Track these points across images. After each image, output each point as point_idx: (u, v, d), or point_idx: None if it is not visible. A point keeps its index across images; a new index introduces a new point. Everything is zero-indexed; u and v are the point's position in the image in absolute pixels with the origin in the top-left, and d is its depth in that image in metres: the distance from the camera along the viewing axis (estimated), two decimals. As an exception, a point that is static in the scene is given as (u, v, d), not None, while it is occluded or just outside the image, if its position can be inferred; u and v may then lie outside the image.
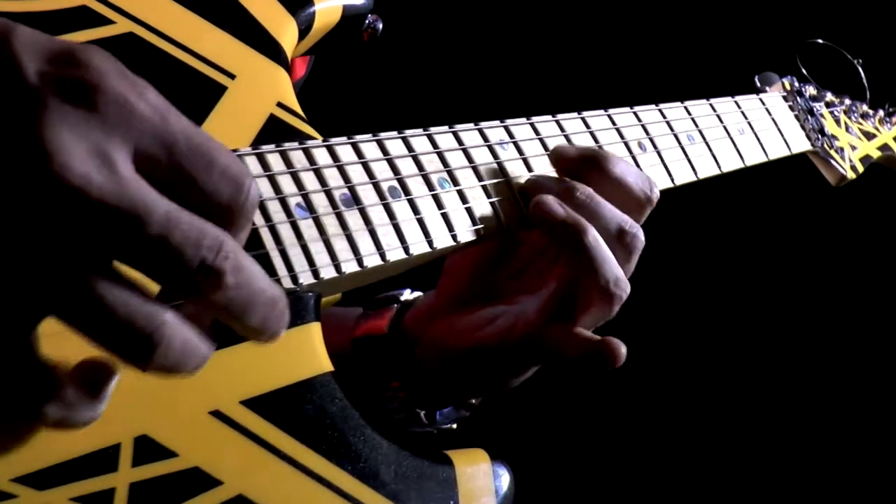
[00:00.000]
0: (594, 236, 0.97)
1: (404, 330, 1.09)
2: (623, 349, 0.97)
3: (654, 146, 1.19)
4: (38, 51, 0.60)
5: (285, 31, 0.97)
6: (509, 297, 1.05)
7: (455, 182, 0.98)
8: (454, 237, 0.95)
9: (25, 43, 0.60)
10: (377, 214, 0.90)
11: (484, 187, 0.99)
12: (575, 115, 1.13)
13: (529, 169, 1.04)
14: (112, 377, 0.64)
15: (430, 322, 1.07)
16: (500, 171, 1.01)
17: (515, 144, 1.05)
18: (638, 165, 1.15)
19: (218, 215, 0.63)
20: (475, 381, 1.05)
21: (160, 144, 0.62)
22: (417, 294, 1.13)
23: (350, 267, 0.86)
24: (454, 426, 1.12)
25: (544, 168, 1.05)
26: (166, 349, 0.61)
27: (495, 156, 1.02)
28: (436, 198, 0.95)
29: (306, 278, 0.84)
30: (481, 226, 0.97)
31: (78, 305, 0.60)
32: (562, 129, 1.10)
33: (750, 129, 1.36)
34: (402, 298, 1.12)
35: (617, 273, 0.98)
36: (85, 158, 0.59)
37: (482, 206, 0.98)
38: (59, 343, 0.62)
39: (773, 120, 1.42)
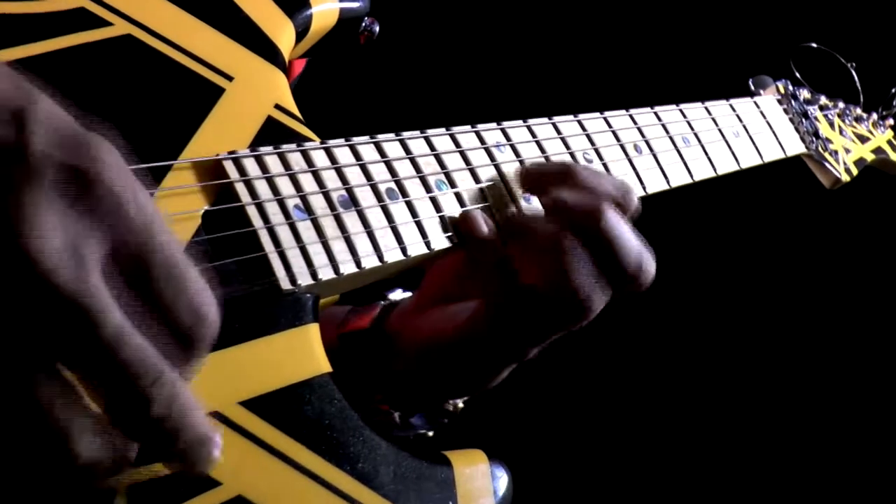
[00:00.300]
0: (614, 217, 0.95)
1: (386, 327, 1.08)
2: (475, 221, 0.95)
3: (650, 148, 1.19)
4: (51, 130, 0.60)
5: (282, 34, 0.97)
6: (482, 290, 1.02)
7: (452, 184, 0.98)
8: (451, 238, 0.95)
9: (41, 118, 0.60)
10: (375, 216, 0.90)
11: (481, 190, 0.99)
12: (571, 117, 1.13)
13: (526, 171, 1.04)
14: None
15: (411, 323, 1.06)
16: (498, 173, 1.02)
17: (512, 147, 1.05)
18: (634, 168, 1.16)
19: (174, 337, 0.63)
20: (451, 375, 1.03)
21: (137, 253, 0.62)
22: (408, 294, 1.13)
23: (348, 268, 0.87)
24: (430, 433, 1.09)
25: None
26: (83, 466, 0.61)
27: (492, 158, 1.02)
28: (433, 200, 0.96)
29: (304, 279, 0.84)
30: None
31: (10, 396, 0.60)
32: (558, 132, 1.10)
33: (745, 131, 1.36)
34: (391, 297, 1.11)
35: (640, 246, 0.96)
36: (58, 249, 0.58)
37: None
38: None
39: (768, 123, 1.42)
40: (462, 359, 1.00)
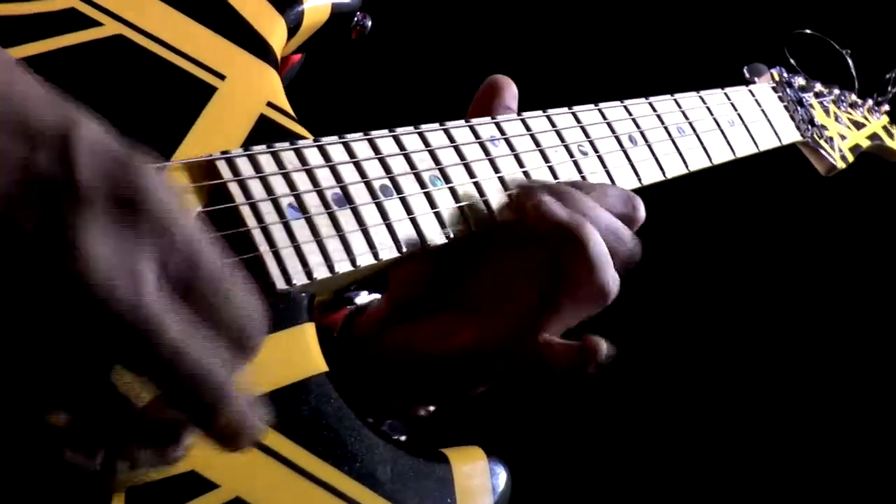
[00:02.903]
0: (597, 237, 0.95)
1: (355, 332, 1.06)
2: (602, 344, 0.95)
3: (645, 139, 1.19)
4: (96, 156, 0.62)
5: (274, 31, 0.97)
6: (473, 305, 0.99)
7: (447, 179, 0.97)
8: (447, 235, 0.95)
9: (85, 145, 0.61)
10: (370, 213, 0.90)
11: (461, 209, 0.97)
12: (565, 109, 1.12)
13: (521, 165, 1.04)
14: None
15: (383, 330, 1.03)
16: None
17: (507, 140, 1.04)
18: (629, 159, 1.15)
19: (225, 344, 0.66)
20: (431, 388, 1.02)
21: (186, 268, 0.64)
22: (374, 297, 1.10)
23: (343, 266, 0.86)
24: (403, 437, 1.06)
25: (535, 163, 1.05)
26: (135, 470, 0.66)
27: (487, 152, 1.02)
28: (428, 195, 0.95)
29: (299, 279, 0.83)
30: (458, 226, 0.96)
31: (70, 407, 0.63)
32: (553, 125, 1.10)
33: (740, 120, 1.36)
34: (357, 301, 1.09)
35: (613, 273, 0.96)
36: (113, 269, 0.60)
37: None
38: None
39: (763, 111, 1.42)
40: (460, 373, 0.99)
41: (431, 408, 1.06)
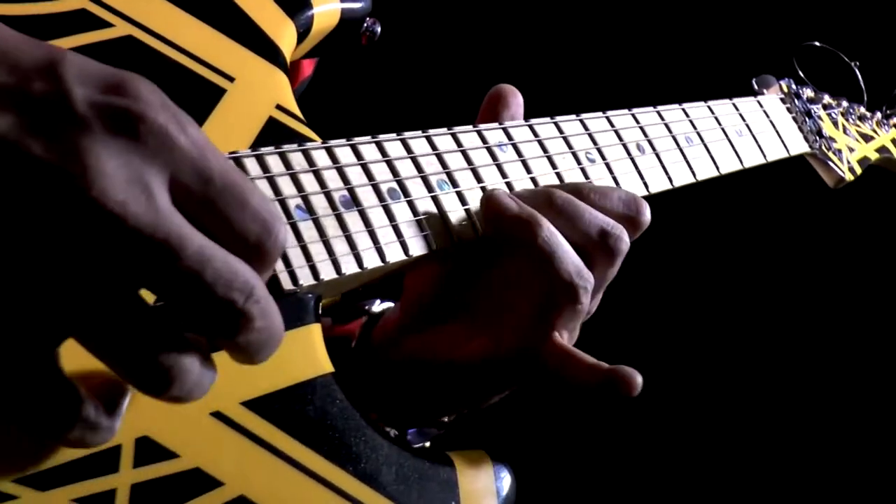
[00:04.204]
0: (549, 230, 0.94)
1: (372, 344, 1.05)
2: (638, 378, 0.95)
3: (653, 148, 1.19)
4: (86, 79, 0.62)
5: (284, 34, 0.97)
6: (485, 313, 0.98)
7: (454, 183, 0.98)
8: (451, 238, 0.95)
9: (74, 70, 0.62)
10: (376, 216, 0.90)
11: (483, 189, 0.99)
12: (573, 116, 1.13)
13: (528, 171, 1.04)
14: (127, 393, 0.66)
15: (399, 338, 1.02)
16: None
17: (514, 146, 1.05)
18: (637, 167, 1.15)
19: (245, 254, 0.65)
20: (451, 397, 1.01)
21: (197, 178, 0.64)
22: (387, 305, 1.09)
23: (350, 268, 0.86)
24: (427, 444, 1.05)
25: (542, 170, 1.05)
26: (181, 384, 0.64)
27: (494, 157, 1.02)
28: (435, 199, 0.95)
29: (306, 279, 0.84)
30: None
31: (101, 331, 0.62)
32: (560, 132, 1.10)
33: (748, 131, 1.36)
34: (373, 310, 1.09)
35: (577, 263, 0.94)
36: (124, 186, 0.60)
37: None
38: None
39: (771, 122, 1.42)
40: (472, 382, 0.98)
41: (448, 418, 1.04)
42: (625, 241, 0.98)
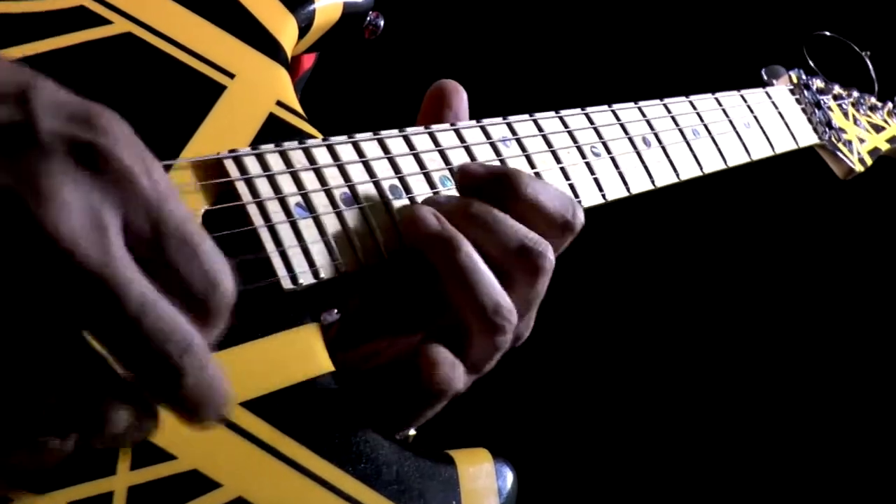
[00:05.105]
0: (467, 253, 0.86)
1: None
2: (438, 355, 0.87)
3: (659, 141, 1.18)
4: (55, 109, 0.61)
5: (285, 30, 0.97)
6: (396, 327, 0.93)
7: (457, 180, 0.97)
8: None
9: (44, 99, 0.61)
10: (378, 214, 0.90)
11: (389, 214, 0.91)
12: (578, 110, 1.12)
13: (532, 166, 1.03)
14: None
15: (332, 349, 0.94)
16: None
17: (518, 141, 1.04)
18: (643, 161, 1.15)
19: (191, 307, 0.63)
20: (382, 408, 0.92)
21: (151, 223, 0.63)
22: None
23: (350, 267, 0.86)
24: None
25: (546, 164, 1.04)
26: (112, 429, 0.62)
27: (498, 153, 1.01)
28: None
29: (306, 279, 0.83)
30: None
31: (39, 365, 0.61)
32: (565, 126, 1.09)
33: (756, 122, 1.35)
34: (328, 319, 1.03)
35: (496, 298, 0.86)
36: (79, 219, 0.59)
37: None
38: None
39: (780, 113, 1.41)
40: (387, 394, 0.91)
41: (411, 431, 0.95)
42: (548, 258, 0.90)
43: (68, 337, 0.61)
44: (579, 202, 1.05)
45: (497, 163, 1.01)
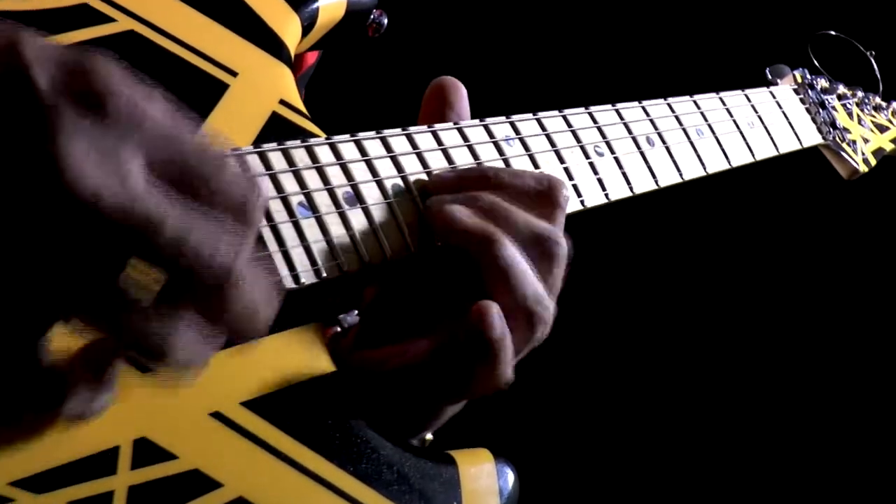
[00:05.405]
0: (509, 247, 0.87)
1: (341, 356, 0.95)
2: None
3: (663, 141, 1.18)
4: (47, 60, 0.60)
5: (288, 28, 0.96)
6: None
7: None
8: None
9: (35, 52, 0.59)
10: (381, 213, 0.89)
11: (389, 205, 0.92)
12: (582, 109, 1.12)
13: (536, 165, 1.03)
14: (114, 358, 0.64)
15: (353, 349, 0.94)
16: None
17: (521, 140, 1.04)
18: (646, 160, 1.14)
19: (230, 215, 0.63)
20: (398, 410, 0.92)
21: (172, 148, 0.62)
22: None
23: (353, 267, 0.86)
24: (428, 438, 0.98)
25: (550, 164, 1.04)
26: (175, 356, 0.62)
27: (501, 152, 1.01)
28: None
29: (308, 278, 0.83)
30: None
31: (92, 313, 0.60)
32: (569, 125, 1.09)
33: (760, 122, 1.35)
34: (348, 321, 0.99)
35: (537, 290, 0.87)
36: (97, 169, 0.58)
37: None
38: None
39: (784, 113, 1.40)
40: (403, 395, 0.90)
41: (428, 436, 0.97)
42: (562, 245, 0.90)
43: (108, 287, 0.60)
44: (581, 202, 1.05)
45: (501, 163, 1.00)
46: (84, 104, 0.59)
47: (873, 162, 1.58)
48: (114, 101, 0.60)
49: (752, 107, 1.34)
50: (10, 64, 0.59)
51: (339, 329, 0.97)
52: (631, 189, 1.11)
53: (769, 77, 1.50)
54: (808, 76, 1.52)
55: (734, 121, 1.30)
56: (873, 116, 1.63)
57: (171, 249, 0.60)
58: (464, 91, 1.02)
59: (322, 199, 0.87)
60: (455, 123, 1.00)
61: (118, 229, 0.59)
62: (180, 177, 0.62)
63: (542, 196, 0.92)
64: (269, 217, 0.83)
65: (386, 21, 1.07)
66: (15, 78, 0.58)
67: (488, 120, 1.03)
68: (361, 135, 0.92)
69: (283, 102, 0.92)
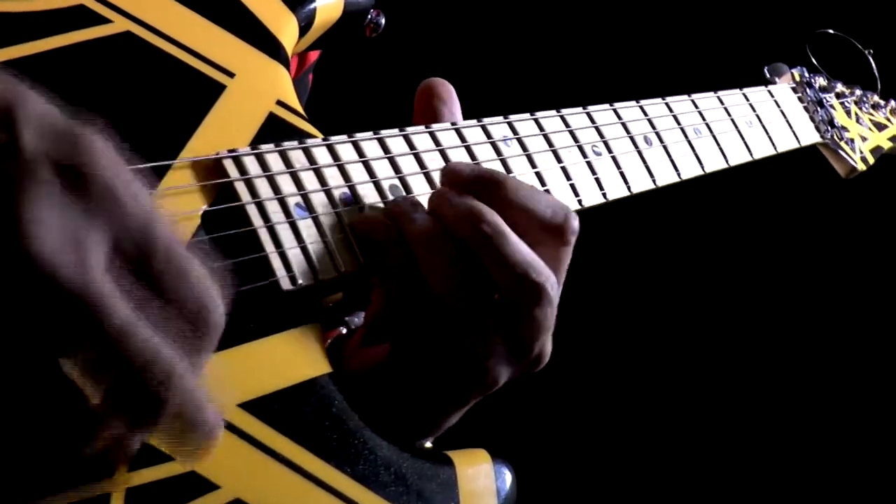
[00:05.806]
0: (494, 219, 0.86)
1: (343, 360, 0.95)
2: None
3: (661, 140, 1.18)
4: (41, 126, 0.60)
5: (285, 28, 0.96)
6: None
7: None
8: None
9: (31, 116, 0.60)
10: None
11: (337, 213, 0.89)
12: (580, 109, 1.12)
13: (533, 165, 1.03)
14: None
15: (358, 351, 0.94)
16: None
17: (519, 141, 1.04)
18: (644, 160, 1.14)
19: (180, 328, 0.62)
20: (398, 412, 0.91)
21: (139, 245, 0.62)
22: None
23: (349, 267, 0.86)
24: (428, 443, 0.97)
25: (547, 164, 1.04)
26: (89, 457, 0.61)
27: (499, 152, 1.01)
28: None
29: (305, 279, 0.83)
30: None
31: (21, 391, 0.60)
32: (566, 125, 1.09)
33: (758, 121, 1.35)
34: (356, 322, 1.02)
35: (528, 256, 0.85)
36: (60, 243, 0.58)
37: None
38: None
39: (782, 112, 1.41)
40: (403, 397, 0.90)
41: (427, 443, 0.95)
42: (546, 287, 0.86)
43: (45, 364, 0.59)
44: (579, 201, 1.05)
45: (498, 163, 1.00)
46: (63, 175, 0.59)
47: (871, 160, 1.58)
48: (93, 179, 0.60)
49: (751, 106, 1.34)
50: (5, 121, 0.59)
51: (344, 331, 0.98)
52: (629, 188, 1.11)
53: (767, 76, 1.50)
54: (807, 75, 1.52)
55: (732, 120, 1.30)
56: (871, 115, 1.63)
57: (108, 347, 0.59)
58: (453, 90, 1.02)
59: (319, 200, 0.87)
60: (453, 124, 1.00)
61: (64, 306, 0.58)
62: (144, 269, 0.62)
63: (554, 230, 0.89)
64: (266, 218, 0.83)
65: (383, 21, 1.07)
66: (4, 129, 0.59)
67: (486, 120, 1.03)
68: (359, 136, 0.92)
69: (280, 103, 0.92)
